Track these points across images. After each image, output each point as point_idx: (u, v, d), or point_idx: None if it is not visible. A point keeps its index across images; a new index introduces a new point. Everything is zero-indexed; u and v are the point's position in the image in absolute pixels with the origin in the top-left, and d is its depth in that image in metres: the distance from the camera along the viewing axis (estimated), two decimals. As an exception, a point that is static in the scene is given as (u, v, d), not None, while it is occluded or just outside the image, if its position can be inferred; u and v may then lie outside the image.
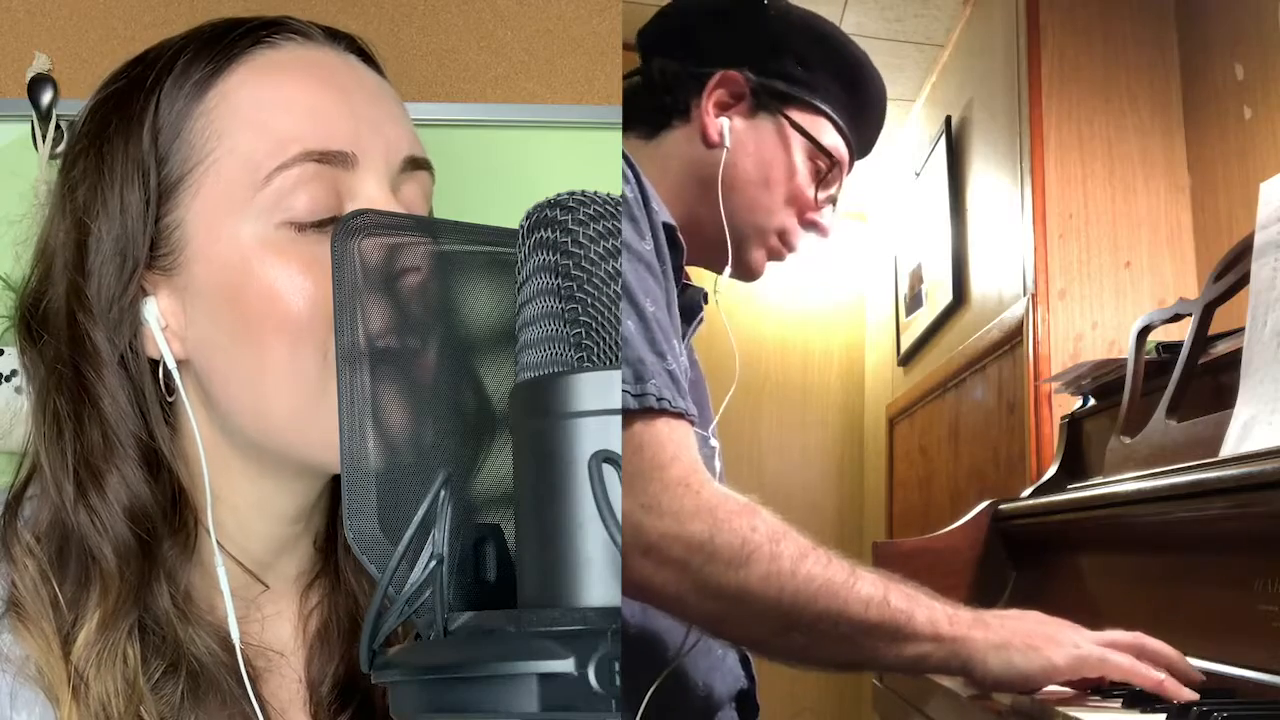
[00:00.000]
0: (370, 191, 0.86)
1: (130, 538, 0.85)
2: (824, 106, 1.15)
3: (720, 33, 1.15)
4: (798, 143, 1.14)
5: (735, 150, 1.12)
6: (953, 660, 0.84)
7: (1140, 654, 0.86)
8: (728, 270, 1.13)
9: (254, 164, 0.84)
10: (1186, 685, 0.84)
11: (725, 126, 1.12)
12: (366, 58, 0.95)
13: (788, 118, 1.13)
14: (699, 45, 1.16)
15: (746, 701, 1.06)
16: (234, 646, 0.87)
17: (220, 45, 0.88)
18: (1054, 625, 0.90)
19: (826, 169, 1.15)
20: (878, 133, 1.22)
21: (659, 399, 0.83)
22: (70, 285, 0.88)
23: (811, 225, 1.17)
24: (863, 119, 1.18)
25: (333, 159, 0.85)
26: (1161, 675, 0.84)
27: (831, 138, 1.15)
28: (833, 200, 1.19)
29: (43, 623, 0.83)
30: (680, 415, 0.85)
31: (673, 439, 0.83)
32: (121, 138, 0.88)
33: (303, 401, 0.84)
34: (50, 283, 0.90)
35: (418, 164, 0.91)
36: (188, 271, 0.86)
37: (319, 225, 0.84)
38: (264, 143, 0.85)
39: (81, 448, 0.86)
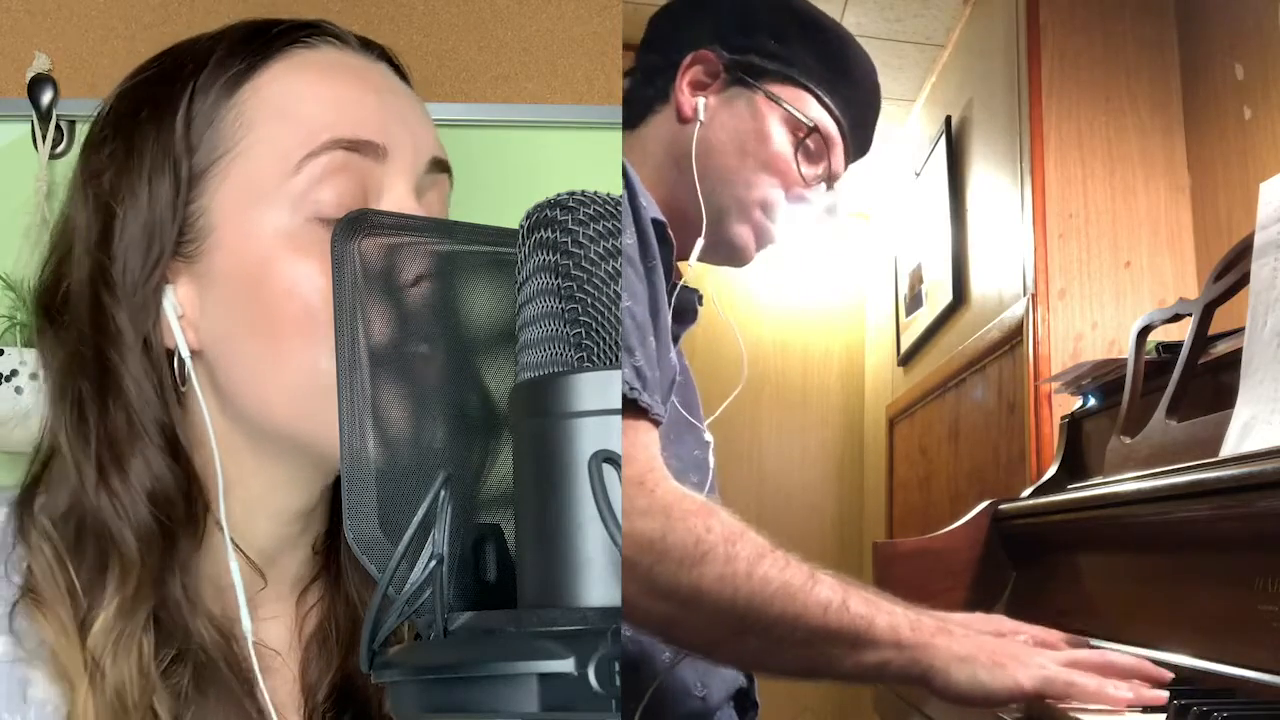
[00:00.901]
0: (398, 191, 0.87)
1: (152, 522, 0.85)
2: (804, 80, 1.14)
3: (695, 19, 1.16)
4: (775, 113, 1.13)
5: (709, 124, 1.12)
6: (913, 668, 0.81)
7: (1106, 671, 0.85)
8: (699, 244, 1.11)
9: (283, 152, 0.85)
10: (1157, 685, 0.84)
11: (700, 103, 1.12)
12: (397, 70, 0.96)
13: (764, 90, 1.13)
14: (676, 33, 1.16)
15: (745, 700, 1.06)
16: (234, 639, 0.87)
17: (257, 43, 0.89)
18: (1016, 643, 0.89)
19: (805, 135, 1.13)
20: (872, 111, 1.19)
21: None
22: (95, 268, 0.88)
23: (800, 200, 1.15)
24: (849, 96, 1.16)
25: (362, 148, 0.85)
26: (1128, 693, 0.82)
27: (815, 111, 1.14)
28: (825, 181, 1.17)
29: (59, 608, 0.83)
30: (643, 413, 0.83)
31: (628, 435, 0.81)
32: (153, 125, 0.88)
33: (316, 395, 0.83)
34: (71, 266, 0.90)
35: (442, 166, 0.92)
36: (209, 259, 0.87)
37: None
38: (294, 131, 0.85)
39: (105, 431, 0.86)
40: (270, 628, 0.95)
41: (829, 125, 1.15)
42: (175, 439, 0.87)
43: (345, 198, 0.84)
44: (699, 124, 1.11)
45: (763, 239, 1.15)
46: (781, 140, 1.13)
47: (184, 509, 0.87)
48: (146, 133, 0.88)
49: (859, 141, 1.19)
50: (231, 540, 0.88)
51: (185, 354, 0.87)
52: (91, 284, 0.88)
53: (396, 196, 0.87)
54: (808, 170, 1.14)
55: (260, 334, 0.85)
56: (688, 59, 1.13)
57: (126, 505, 0.85)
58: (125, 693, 0.81)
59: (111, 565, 0.84)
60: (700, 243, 1.11)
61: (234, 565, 0.87)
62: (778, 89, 1.13)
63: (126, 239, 0.87)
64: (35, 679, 0.83)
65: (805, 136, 1.13)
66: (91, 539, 0.85)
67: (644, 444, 0.83)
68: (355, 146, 0.85)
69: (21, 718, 0.83)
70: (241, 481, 0.90)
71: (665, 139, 1.13)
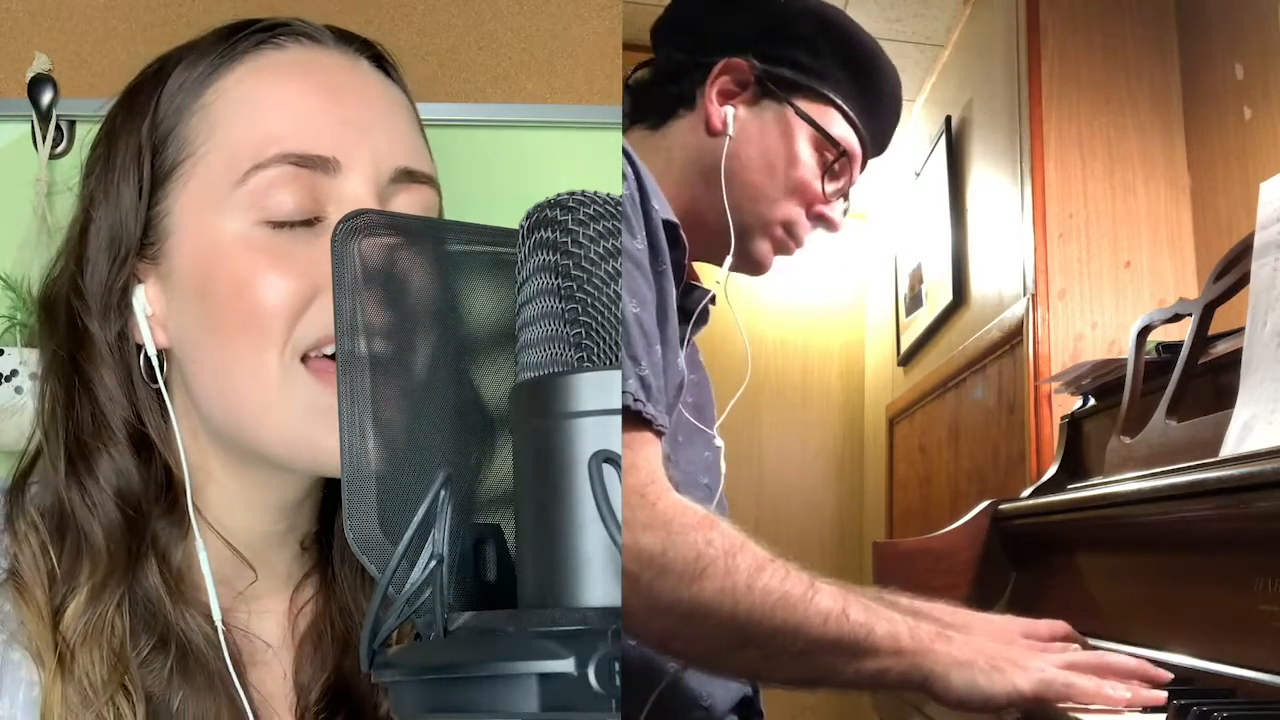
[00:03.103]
0: (354, 193, 0.86)
1: (118, 516, 0.87)
2: (833, 96, 1.13)
3: (727, 21, 1.14)
4: (804, 132, 1.12)
5: (738, 138, 1.11)
6: (913, 674, 0.82)
7: (1103, 672, 0.85)
8: (729, 260, 1.11)
9: (235, 161, 0.86)
10: (1155, 686, 0.84)
11: (729, 114, 1.11)
12: (383, 64, 0.95)
13: (794, 106, 1.12)
14: (706, 34, 1.14)
15: (749, 709, 1.06)
16: (220, 627, 0.89)
17: (227, 43, 0.90)
18: (1015, 647, 0.89)
19: (834, 160, 1.13)
20: (893, 126, 1.19)
21: (623, 406, 0.82)
22: (69, 272, 0.90)
23: (820, 219, 1.15)
24: (875, 111, 1.16)
25: (312, 163, 0.86)
26: (1127, 693, 0.82)
27: (840, 128, 1.14)
28: (843, 194, 1.17)
29: (37, 592, 0.85)
30: (646, 424, 0.83)
31: (631, 447, 0.82)
32: (126, 130, 0.90)
33: (264, 396, 0.86)
34: (61, 269, 0.92)
35: (414, 177, 0.91)
36: (170, 260, 0.88)
37: (294, 225, 0.85)
38: (247, 141, 0.86)
39: (73, 428, 0.89)
40: (263, 621, 0.96)
41: (854, 144, 1.15)
42: (144, 437, 0.89)
43: (295, 204, 0.85)
44: (728, 138, 1.11)
45: (781, 252, 1.15)
46: (810, 162, 1.13)
47: (156, 502, 0.89)
48: (120, 137, 0.90)
49: (877, 148, 1.19)
50: (212, 529, 0.90)
51: (151, 352, 0.89)
52: (66, 287, 0.90)
53: (354, 200, 0.86)
54: (829, 187, 1.14)
55: (213, 333, 0.87)
56: (718, 67, 1.12)
57: (95, 500, 0.87)
58: (94, 674, 0.84)
59: (84, 554, 0.86)
60: (729, 261, 1.11)
61: (203, 557, 0.89)
62: (807, 105, 1.12)
63: (98, 242, 0.89)
64: (19, 660, 0.85)
65: (834, 161, 1.13)
66: (70, 530, 0.87)
67: (646, 456, 0.83)
68: (304, 161, 0.85)
69: (9, 698, 0.85)
70: (219, 475, 0.92)
71: (691, 148, 1.12)
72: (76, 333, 0.89)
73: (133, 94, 0.92)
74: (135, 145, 0.89)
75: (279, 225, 0.85)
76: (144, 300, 0.89)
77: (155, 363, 0.89)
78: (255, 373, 0.85)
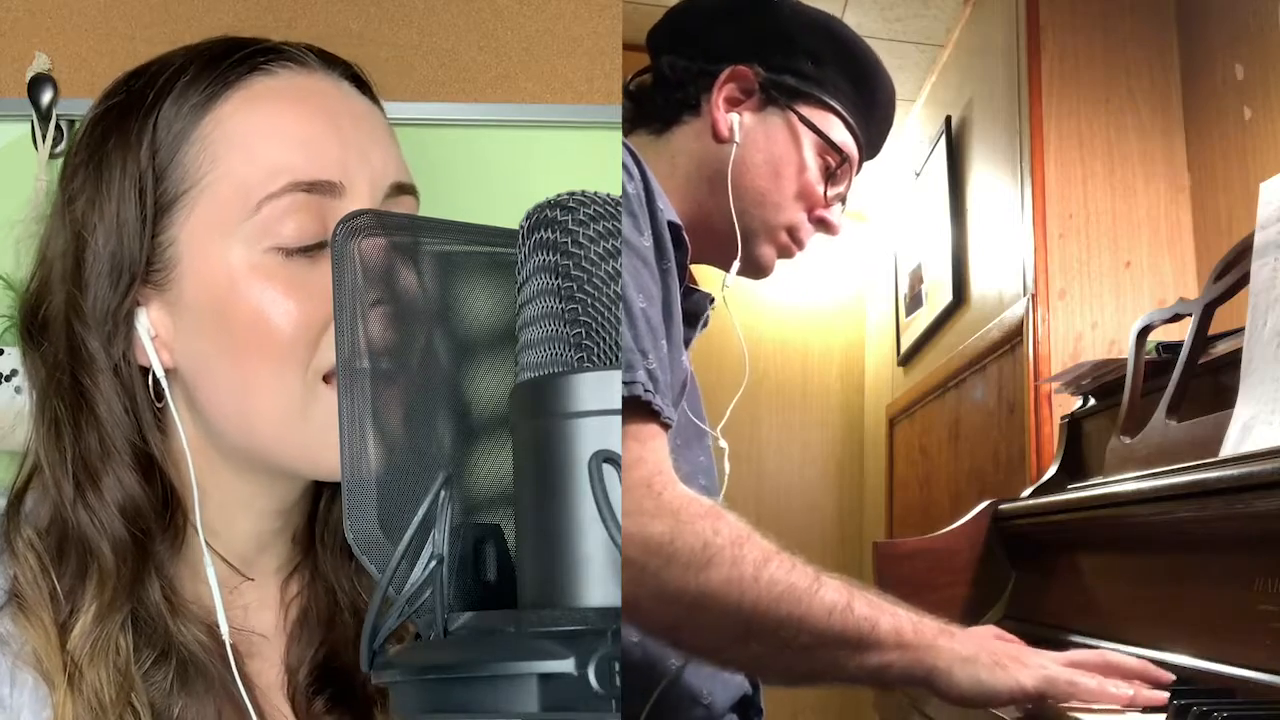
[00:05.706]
0: None
1: (126, 535, 0.88)
2: (834, 103, 1.15)
3: (732, 29, 1.15)
4: (808, 138, 1.14)
5: (745, 145, 1.12)
6: (916, 668, 0.82)
7: (1106, 671, 0.85)
8: (736, 265, 1.13)
9: (245, 191, 0.87)
10: (1157, 686, 0.84)
11: (735, 121, 1.12)
12: (360, 83, 0.97)
13: (798, 113, 1.13)
14: (710, 42, 1.15)
15: (749, 707, 1.06)
16: (219, 634, 0.90)
17: (218, 70, 0.91)
18: (1018, 644, 0.89)
19: (836, 165, 1.15)
20: (887, 132, 1.21)
21: (632, 397, 0.82)
22: (68, 295, 0.90)
23: (821, 223, 1.16)
24: (872, 117, 1.18)
25: (321, 188, 0.87)
26: (1129, 691, 0.83)
27: (841, 134, 1.15)
28: (842, 198, 1.18)
29: (42, 613, 0.86)
30: (654, 416, 0.84)
31: (639, 439, 0.82)
32: (119, 155, 0.90)
33: (284, 417, 0.87)
34: (49, 290, 0.92)
35: (403, 189, 0.93)
36: (178, 287, 0.89)
37: (305, 250, 0.87)
38: (255, 171, 0.87)
39: (79, 451, 0.89)
40: (258, 614, 0.97)
41: (853, 149, 1.17)
42: (148, 456, 0.90)
43: (304, 230, 0.87)
44: (735, 144, 1.12)
45: (784, 256, 1.17)
46: (814, 168, 1.14)
47: (159, 520, 0.90)
48: (114, 162, 0.90)
49: (871, 152, 1.21)
50: (209, 547, 0.91)
51: (160, 373, 0.90)
52: (65, 311, 0.90)
53: None
54: (830, 191, 1.15)
55: (229, 358, 0.88)
56: (724, 74, 1.13)
57: (102, 520, 0.88)
58: (102, 692, 0.84)
59: (90, 574, 0.87)
60: (737, 264, 1.13)
61: (211, 574, 0.90)
62: (809, 112, 1.14)
63: (98, 267, 0.89)
64: (24, 676, 0.86)
65: (837, 168, 1.14)
66: (73, 549, 0.88)
67: (653, 447, 0.83)
68: (313, 188, 0.87)
69: (10, 691, 0.85)
70: (221, 489, 0.93)
71: (697, 154, 1.13)
72: (79, 355, 0.90)
73: (119, 116, 0.91)
74: (134, 172, 0.89)
75: (289, 252, 0.87)
76: (147, 323, 0.90)
77: (164, 384, 0.90)
78: (277, 396, 0.87)
